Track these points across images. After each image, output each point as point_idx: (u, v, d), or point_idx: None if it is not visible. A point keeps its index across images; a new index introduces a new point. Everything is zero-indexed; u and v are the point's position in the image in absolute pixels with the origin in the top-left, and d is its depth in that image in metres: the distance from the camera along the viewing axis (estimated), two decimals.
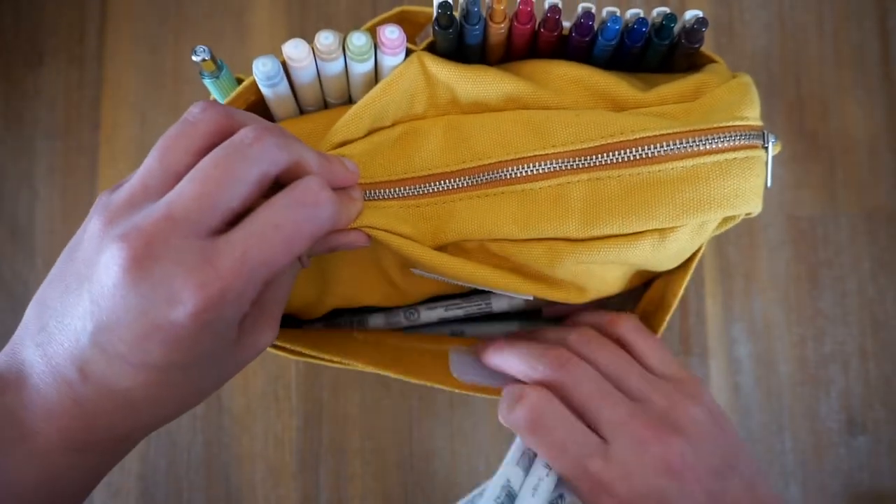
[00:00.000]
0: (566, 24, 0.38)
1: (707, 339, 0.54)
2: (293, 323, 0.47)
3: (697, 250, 0.40)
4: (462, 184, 0.37)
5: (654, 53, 0.38)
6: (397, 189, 0.37)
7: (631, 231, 0.36)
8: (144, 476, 0.53)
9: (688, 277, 0.40)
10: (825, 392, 0.54)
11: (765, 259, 0.55)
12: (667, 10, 0.36)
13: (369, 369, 0.39)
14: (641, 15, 0.36)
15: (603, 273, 0.39)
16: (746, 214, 0.37)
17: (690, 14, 0.36)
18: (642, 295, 0.45)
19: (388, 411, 0.54)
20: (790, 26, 0.56)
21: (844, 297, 0.54)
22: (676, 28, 0.37)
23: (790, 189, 0.55)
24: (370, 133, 0.38)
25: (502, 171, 0.37)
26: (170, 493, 0.53)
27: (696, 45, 0.37)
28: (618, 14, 0.36)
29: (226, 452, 0.53)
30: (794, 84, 0.56)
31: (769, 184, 0.36)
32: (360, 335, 0.45)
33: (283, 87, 0.38)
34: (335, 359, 0.39)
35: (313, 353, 0.39)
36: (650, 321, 0.43)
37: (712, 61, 0.38)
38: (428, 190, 0.37)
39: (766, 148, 0.36)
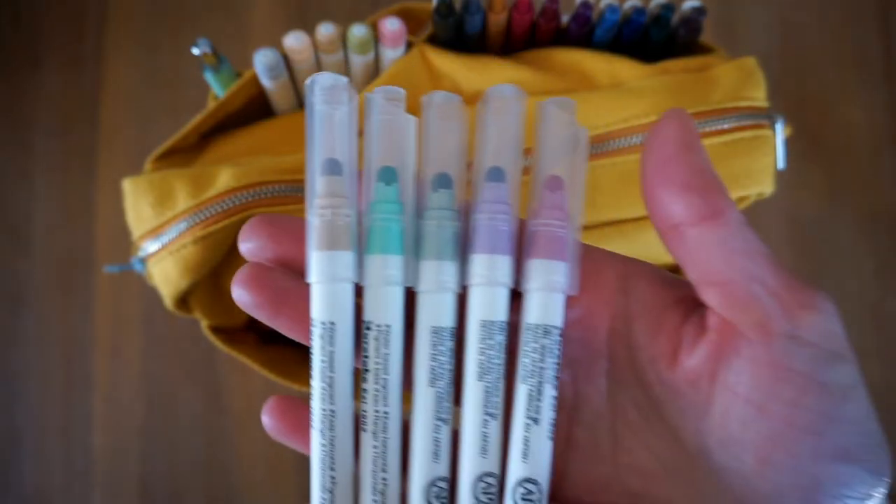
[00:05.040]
0: (564, 17, 0.38)
1: None
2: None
3: None
4: None
5: (653, 44, 0.38)
6: None
7: (639, 215, 0.36)
8: (145, 476, 0.52)
9: None
10: None
11: None
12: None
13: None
14: (639, 5, 0.36)
15: None
16: (758, 195, 0.37)
17: (688, 4, 0.36)
18: None
19: None
20: (791, 26, 0.56)
21: (846, 298, 0.54)
22: (674, 18, 0.37)
23: (791, 189, 0.54)
24: None
25: None
26: (170, 493, 0.52)
27: (694, 35, 0.37)
28: (615, 4, 0.36)
29: (226, 452, 0.53)
30: (796, 84, 0.56)
31: (781, 165, 0.36)
32: None
33: (284, 79, 0.38)
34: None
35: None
36: None
37: (711, 51, 0.38)
38: None
39: (775, 128, 0.36)
